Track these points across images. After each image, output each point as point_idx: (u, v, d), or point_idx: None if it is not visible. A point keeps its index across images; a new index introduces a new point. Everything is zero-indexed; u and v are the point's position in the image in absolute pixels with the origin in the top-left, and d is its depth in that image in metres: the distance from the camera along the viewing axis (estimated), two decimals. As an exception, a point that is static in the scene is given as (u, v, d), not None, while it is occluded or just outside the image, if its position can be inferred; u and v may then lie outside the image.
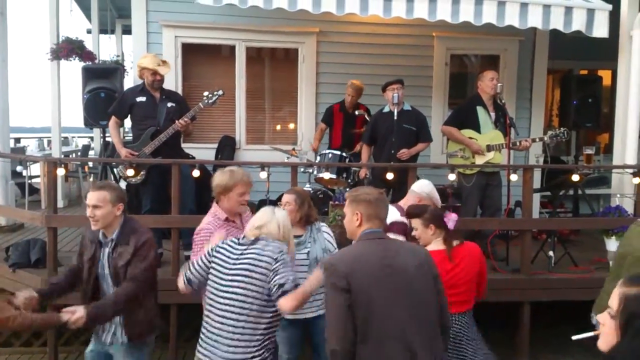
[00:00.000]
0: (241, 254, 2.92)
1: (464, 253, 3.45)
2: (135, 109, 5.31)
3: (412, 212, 3.65)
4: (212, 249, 3.02)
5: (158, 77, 5.26)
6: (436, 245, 3.44)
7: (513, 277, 5.04)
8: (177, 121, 5.15)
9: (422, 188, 4.13)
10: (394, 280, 2.51)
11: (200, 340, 2.95)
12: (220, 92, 5.32)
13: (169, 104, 5.31)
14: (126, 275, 3.19)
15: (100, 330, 3.32)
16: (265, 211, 3.09)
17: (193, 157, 6.03)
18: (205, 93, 5.31)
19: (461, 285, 3.37)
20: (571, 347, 5.33)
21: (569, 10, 5.09)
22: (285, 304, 2.77)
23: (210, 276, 2.95)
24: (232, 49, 6.91)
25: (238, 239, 3.02)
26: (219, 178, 3.54)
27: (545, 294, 4.98)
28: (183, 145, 5.84)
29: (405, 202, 4.08)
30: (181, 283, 3.07)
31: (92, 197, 3.20)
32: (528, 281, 5.01)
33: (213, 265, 2.95)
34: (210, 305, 2.91)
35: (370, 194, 2.73)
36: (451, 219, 3.46)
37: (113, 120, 5.44)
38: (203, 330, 2.95)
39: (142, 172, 5.20)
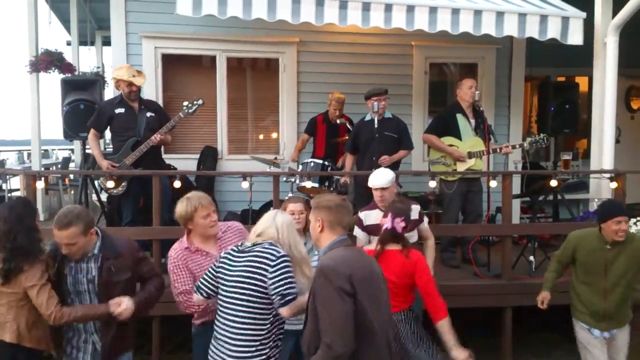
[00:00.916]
0: (239, 260, 2.97)
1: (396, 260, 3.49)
2: (115, 121, 5.29)
3: (389, 207, 3.76)
4: (218, 258, 3.12)
5: (134, 88, 5.24)
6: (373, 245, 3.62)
7: (494, 283, 5.09)
8: (152, 137, 5.14)
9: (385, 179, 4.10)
10: (376, 284, 2.62)
11: (211, 343, 3.06)
12: (200, 102, 5.31)
13: (148, 114, 5.30)
14: (124, 286, 3.21)
15: (73, 351, 3.26)
16: (266, 217, 3.09)
17: (174, 168, 6.03)
18: (185, 103, 5.31)
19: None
20: (554, 351, 5.39)
21: (544, 18, 5.18)
22: (285, 311, 2.86)
23: (218, 284, 3.04)
24: (212, 59, 6.91)
25: (238, 247, 3.07)
26: (178, 209, 3.44)
27: (526, 298, 4.99)
28: (164, 155, 5.82)
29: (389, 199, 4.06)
30: (195, 295, 3.16)
31: (61, 237, 3.02)
32: (509, 286, 5.06)
33: (219, 274, 3.04)
34: (218, 309, 3.02)
35: (331, 200, 2.76)
36: (388, 221, 3.49)
37: (92, 133, 5.40)
38: (214, 333, 3.05)
39: (123, 184, 5.18)
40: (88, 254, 3.16)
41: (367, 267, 2.63)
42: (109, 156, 5.35)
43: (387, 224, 3.48)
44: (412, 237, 4.05)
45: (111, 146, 5.92)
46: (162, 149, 5.61)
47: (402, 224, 3.47)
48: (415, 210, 4.08)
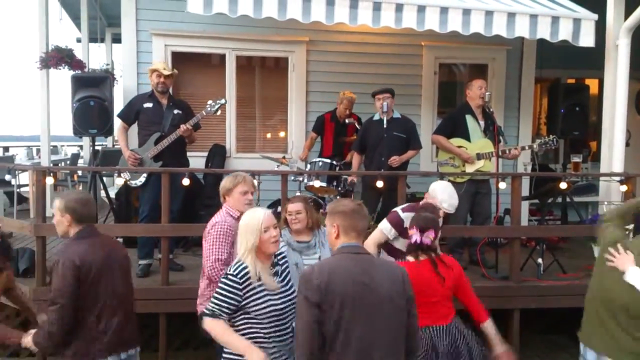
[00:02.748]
0: None
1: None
2: (142, 115, 5.34)
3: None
4: None
5: (162, 79, 5.27)
6: (409, 256, 3.37)
7: (502, 285, 5.06)
8: (179, 128, 5.16)
9: (434, 191, 3.90)
10: (365, 299, 2.49)
11: None
12: (223, 101, 5.35)
13: (176, 111, 5.33)
14: None
15: None
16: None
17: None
18: (209, 102, 5.33)
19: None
20: (561, 354, 5.37)
21: (555, 20, 5.15)
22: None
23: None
24: (222, 57, 6.92)
25: None
26: (223, 182, 3.67)
27: (534, 301, 5.00)
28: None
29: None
30: None
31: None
32: (517, 288, 5.04)
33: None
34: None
35: (347, 205, 2.71)
36: (414, 234, 3.33)
37: (121, 124, 5.47)
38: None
39: (142, 176, 5.21)
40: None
41: (352, 281, 2.49)
42: (134, 149, 5.39)
43: (414, 236, 3.34)
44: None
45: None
46: (186, 146, 5.60)
47: (432, 235, 3.34)
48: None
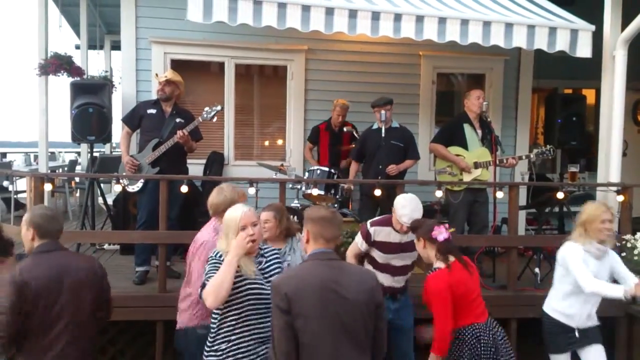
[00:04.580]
0: None
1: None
2: (145, 120, 5.36)
3: (412, 227, 3.67)
4: None
5: (161, 86, 5.30)
6: (439, 263, 3.43)
7: (500, 294, 5.07)
8: (177, 134, 5.16)
9: (395, 205, 3.94)
10: (333, 306, 2.55)
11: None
12: (219, 108, 5.35)
13: (178, 119, 5.33)
14: None
15: None
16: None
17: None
18: (206, 108, 5.34)
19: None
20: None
21: (553, 30, 5.19)
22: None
23: None
24: (221, 65, 6.95)
25: None
26: (217, 197, 3.65)
27: (531, 310, 4.98)
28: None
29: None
30: None
31: None
32: (514, 298, 5.05)
33: None
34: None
35: (318, 213, 2.79)
36: (440, 233, 3.41)
37: (124, 129, 5.48)
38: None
39: (139, 182, 5.21)
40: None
41: (321, 287, 2.55)
42: (134, 155, 5.39)
43: (442, 234, 3.39)
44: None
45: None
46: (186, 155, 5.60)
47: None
48: None
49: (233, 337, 2.90)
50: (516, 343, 5.03)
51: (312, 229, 2.71)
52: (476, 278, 3.47)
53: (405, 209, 3.79)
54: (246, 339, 2.90)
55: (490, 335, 3.42)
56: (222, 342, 2.92)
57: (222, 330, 2.92)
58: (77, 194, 9.67)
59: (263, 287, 2.91)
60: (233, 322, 2.90)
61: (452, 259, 3.39)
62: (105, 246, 6.34)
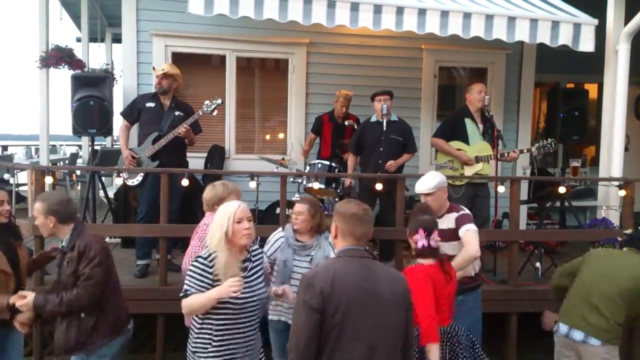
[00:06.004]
0: None
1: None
2: (143, 114, 5.37)
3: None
4: None
5: (158, 80, 5.31)
6: (420, 259, 3.32)
7: (500, 288, 5.07)
8: (177, 128, 5.17)
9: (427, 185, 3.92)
10: (366, 306, 2.45)
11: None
12: (219, 101, 5.35)
13: (177, 113, 5.34)
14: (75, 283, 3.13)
15: None
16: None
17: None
18: (206, 102, 5.34)
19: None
20: (558, 358, 5.35)
21: (555, 24, 5.16)
22: None
23: None
24: (222, 58, 6.93)
25: None
26: (209, 193, 3.66)
27: (532, 305, 5.00)
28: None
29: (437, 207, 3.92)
30: None
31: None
32: (515, 292, 5.05)
33: None
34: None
35: (348, 208, 2.62)
36: (420, 238, 3.29)
37: (123, 122, 5.48)
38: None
39: (139, 175, 5.22)
40: (61, 247, 3.27)
41: (355, 287, 2.44)
42: (133, 148, 5.40)
43: (421, 241, 3.28)
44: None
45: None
46: (186, 148, 5.60)
47: (438, 238, 3.32)
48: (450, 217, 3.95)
49: (214, 343, 2.94)
50: (516, 337, 5.04)
51: (342, 226, 2.58)
52: (452, 286, 3.34)
53: (418, 186, 3.94)
54: (225, 342, 2.94)
55: (447, 340, 3.32)
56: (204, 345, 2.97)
57: (201, 336, 2.97)
58: (78, 187, 9.66)
59: (242, 298, 2.91)
60: (211, 331, 2.94)
61: (432, 261, 3.30)
62: (107, 239, 6.34)
